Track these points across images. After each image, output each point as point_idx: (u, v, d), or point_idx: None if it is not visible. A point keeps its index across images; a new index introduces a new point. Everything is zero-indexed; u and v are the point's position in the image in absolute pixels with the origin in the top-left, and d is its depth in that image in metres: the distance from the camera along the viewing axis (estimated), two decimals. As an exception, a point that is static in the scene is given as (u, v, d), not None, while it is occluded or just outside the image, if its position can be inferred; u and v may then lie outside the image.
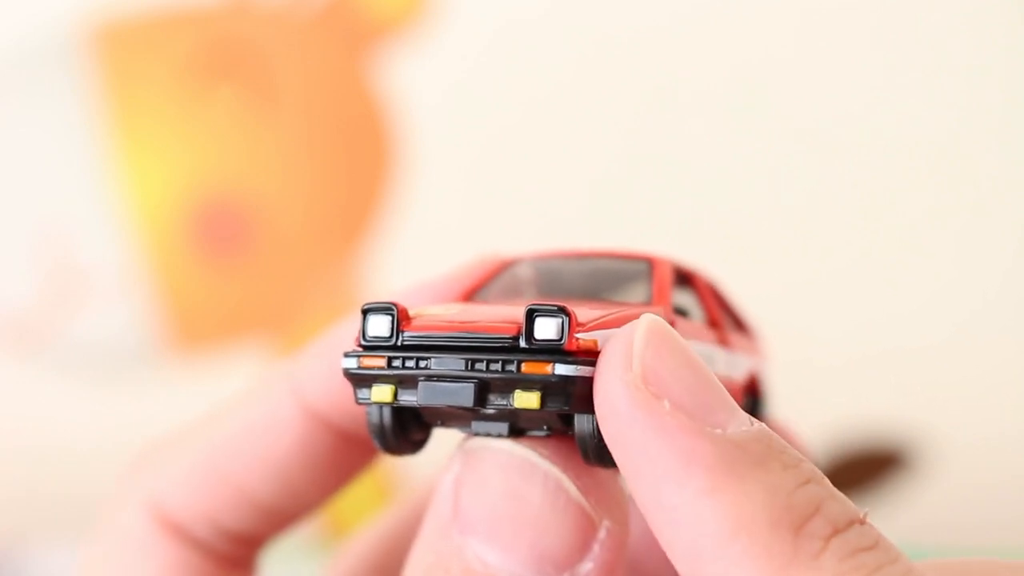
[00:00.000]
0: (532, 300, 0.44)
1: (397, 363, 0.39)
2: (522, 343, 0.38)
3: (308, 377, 0.46)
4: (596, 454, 0.39)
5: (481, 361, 0.38)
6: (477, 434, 0.40)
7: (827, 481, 0.36)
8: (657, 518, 0.36)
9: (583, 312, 0.39)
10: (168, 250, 0.97)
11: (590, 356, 0.38)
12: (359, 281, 0.98)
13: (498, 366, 0.38)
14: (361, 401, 0.40)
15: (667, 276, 0.44)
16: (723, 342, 0.46)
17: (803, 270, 0.94)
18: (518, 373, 0.38)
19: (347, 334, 0.42)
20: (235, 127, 0.97)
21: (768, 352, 0.51)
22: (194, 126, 0.97)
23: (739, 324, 0.50)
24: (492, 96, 0.95)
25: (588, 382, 0.37)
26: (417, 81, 0.95)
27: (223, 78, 0.97)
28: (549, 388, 0.37)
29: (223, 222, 0.97)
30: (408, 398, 0.39)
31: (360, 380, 0.40)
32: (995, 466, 0.93)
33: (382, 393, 0.39)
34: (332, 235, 0.98)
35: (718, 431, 0.36)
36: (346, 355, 0.40)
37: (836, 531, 0.35)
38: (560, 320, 0.37)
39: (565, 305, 0.38)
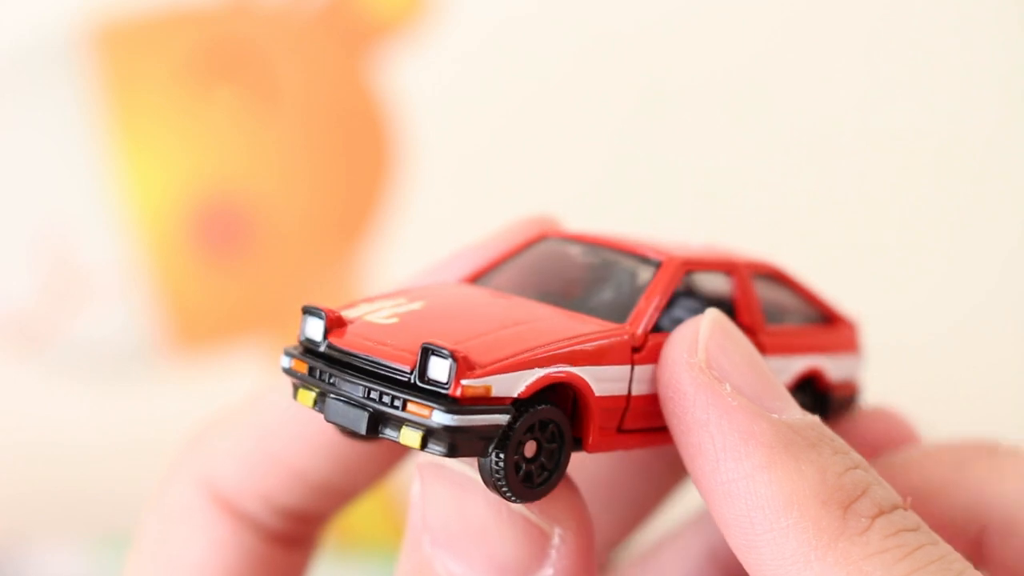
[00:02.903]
0: (522, 296, 0.44)
1: (315, 374, 0.40)
2: (416, 379, 0.38)
3: None
4: (498, 491, 0.39)
5: (376, 392, 0.39)
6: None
7: (874, 470, 0.39)
8: (714, 493, 0.38)
9: (499, 347, 0.39)
10: (168, 250, 0.97)
11: (481, 403, 0.38)
12: (359, 280, 0.98)
13: (388, 400, 0.39)
14: (296, 398, 0.41)
15: (662, 289, 0.44)
16: (758, 348, 0.45)
17: (802, 267, 0.94)
18: (403, 411, 0.38)
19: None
20: (235, 127, 0.97)
21: (857, 343, 0.51)
22: (194, 126, 0.97)
23: (817, 316, 0.50)
24: (491, 95, 0.95)
25: (475, 431, 0.38)
26: (417, 81, 0.95)
27: (223, 78, 0.97)
28: (431, 431, 0.38)
29: (223, 222, 0.97)
30: (322, 409, 0.40)
31: (292, 379, 0.41)
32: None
33: (306, 397, 0.41)
34: (332, 235, 0.98)
35: (774, 416, 0.39)
36: (285, 352, 0.41)
37: (881, 512, 0.37)
38: (449, 364, 0.38)
39: (458, 348, 0.38)
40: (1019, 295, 0.93)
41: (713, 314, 0.41)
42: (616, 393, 0.41)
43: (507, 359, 0.39)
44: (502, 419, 0.38)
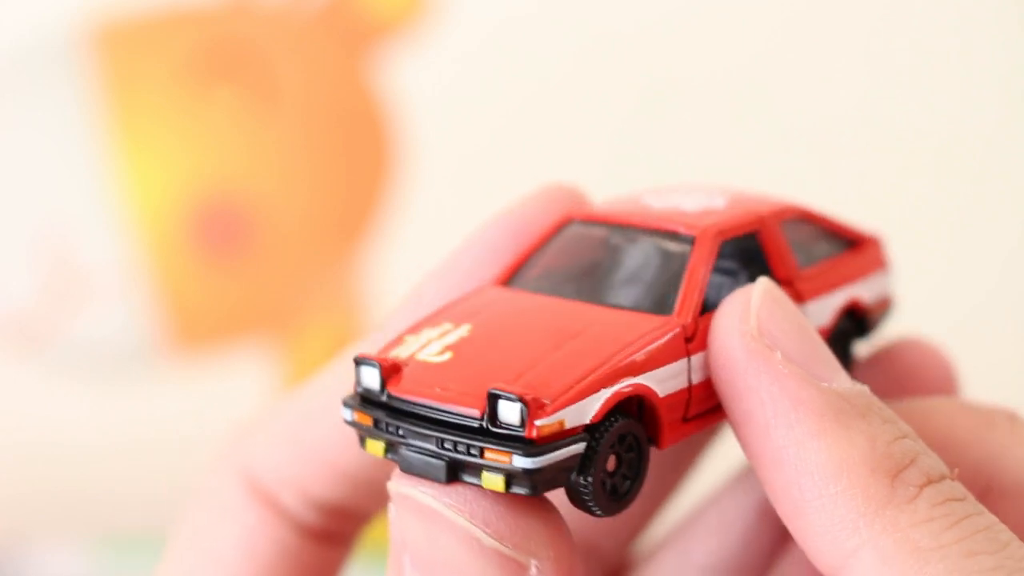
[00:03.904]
0: (561, 296, 0.43)
1: (381, 426, 0.40)
2: (487, 423, 0.38)
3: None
4: (587, 510, 0.39)
5: (450, 442, 0.38)
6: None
7: (921, 440, 0.39)
8: (763, 459, 0.39)
9: (562, 374, 0.39)
10: (168, 250, 0.97)
11: (556, 439, 0.38)
12: (359, 281, 0.98)
13: (464, 449, 0.38)
14: (364, 448, 0.41)
15: (702, 269, 0.43)
16: (796, 298, 0.45)
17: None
18: (481, 458, 0.38)
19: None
20: (235, 127, 0.97)
21: (884, 258, 0.51)
22: (194, 126, 0.97)
23: (844, 243, 0.50)
24: (492, 95, 0.95)
25: (555, 467, 0.38)
26: (417, 81, 0.95)
27: (223, 78, 0.97)
28: (513, 475, 0.38)
29: (223, 222, 0.97)
30: (395, 458, 0.40)
31: (358, 430, 0.41)
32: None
33: (375, 448, 0.41)
34: (332, 235, 0.98)
35: (824, 384, 0.39)
36: (344, 404, 0.41)
37: (930, 481, 0.38)
38: (520, 407, 0.38)
39: (527, 392, 0.38)
40: (1019, 295, 0.93)
41: (764, 283, 0.41)
42: (679, 388, 0.41)
43: (573, 388, 0.38)
44: (579, 448, 0.39)
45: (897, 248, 0.97)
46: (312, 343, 0.98)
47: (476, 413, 0.38)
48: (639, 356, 0.40)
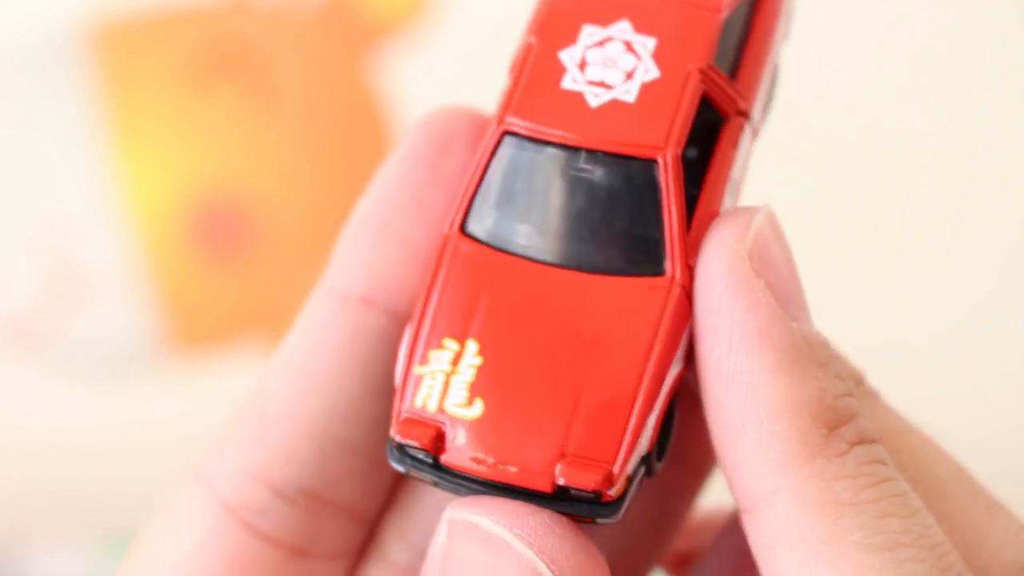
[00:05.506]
0: (541, 260, 0.41)
1: (444, 484, 0.40)
2: (560, 495, 0.39)
3: (349, 266, 0.47)
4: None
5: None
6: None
7: (863, 405, 0.41)
8: (716, 377, 0.40)
9: (610, 427, 0.39)
10: (168, 250, 0.97)
11: (627, 484, 0.39)
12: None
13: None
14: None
15: (677, 203, 0.41)
16: (739, 129, 0.44)
17: (802, 267, 0.94)
18: None
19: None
20: (235, 127, 0.97)
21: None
22: (194, 126, 0.97)
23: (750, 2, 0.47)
24: (492, 96, 0.95)
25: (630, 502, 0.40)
26: (417, 81, 0.95)
27: (223, 78, 0.97)
28: (593, 522, 0.40)
29: (223, 222, 0.97)
30: None
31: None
32: (997, 465, 0.93)
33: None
34: (332, 235, 0.98)
35: (794, 324, 0.40)
36: (392, 459, 0.40)
37: (861, 441, 0.39)
38: (594, 494, 0.39)
39: (597, 483, 0.38)
40: (1019, 295, 0.93)
41: (767, 211, 0.42)
42: (686, 344, 0.41)
43: (628, 440, 0.39)
44: (642, 472, 0.40)
45: (897, 248, 0.98)
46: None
47: (547, 490, 0.39)
48: (663, 353, 0.40)
